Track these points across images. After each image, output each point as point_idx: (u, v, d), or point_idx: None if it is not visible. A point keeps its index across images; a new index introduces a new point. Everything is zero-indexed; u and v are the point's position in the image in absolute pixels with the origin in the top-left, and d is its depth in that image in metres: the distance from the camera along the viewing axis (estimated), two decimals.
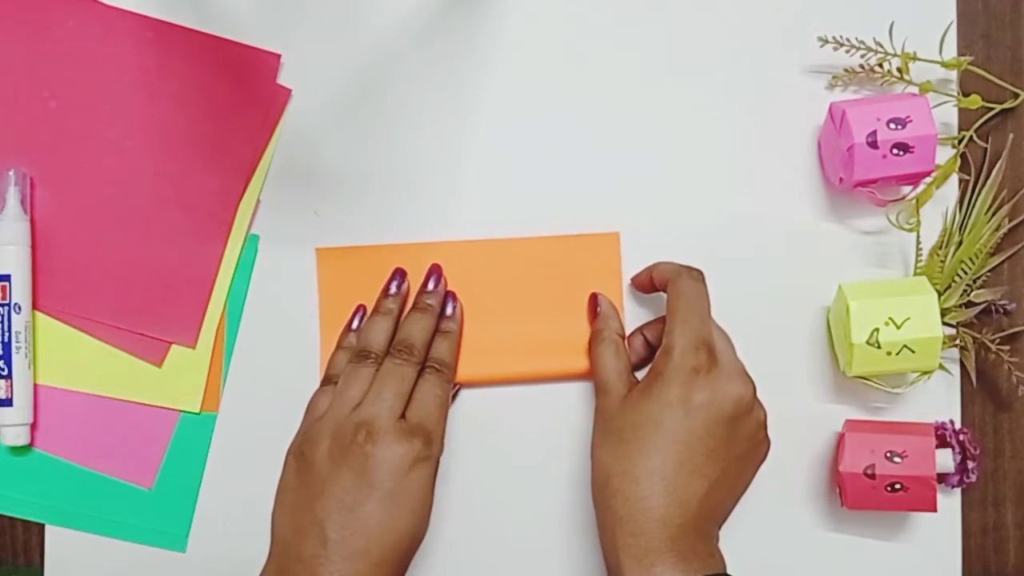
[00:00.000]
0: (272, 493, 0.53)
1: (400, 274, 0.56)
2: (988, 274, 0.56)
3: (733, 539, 0.50)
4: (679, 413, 0.48)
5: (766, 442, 0.51)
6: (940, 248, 0.56)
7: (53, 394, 0.56)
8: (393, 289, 0.56)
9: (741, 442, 0.49)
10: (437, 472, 0.51)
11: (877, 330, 0.52)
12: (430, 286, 0.56)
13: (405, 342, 0.53)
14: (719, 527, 0.50)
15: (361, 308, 0.56)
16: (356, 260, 0.56)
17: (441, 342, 0.55)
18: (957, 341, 0.56)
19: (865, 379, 0.55)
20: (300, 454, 0.51)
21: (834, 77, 0.56)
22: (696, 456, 0.48)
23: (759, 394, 0.51)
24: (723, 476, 0.49)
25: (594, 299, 0.56)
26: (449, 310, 0.56)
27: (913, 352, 0.52)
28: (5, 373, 0.55)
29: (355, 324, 0.56)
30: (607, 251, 0.56)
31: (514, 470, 0.57)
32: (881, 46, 0.55)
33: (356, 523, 0.48)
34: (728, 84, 0.57)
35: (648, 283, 0.55)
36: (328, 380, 0.54)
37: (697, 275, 0.53)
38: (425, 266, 0.56)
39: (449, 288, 0.56)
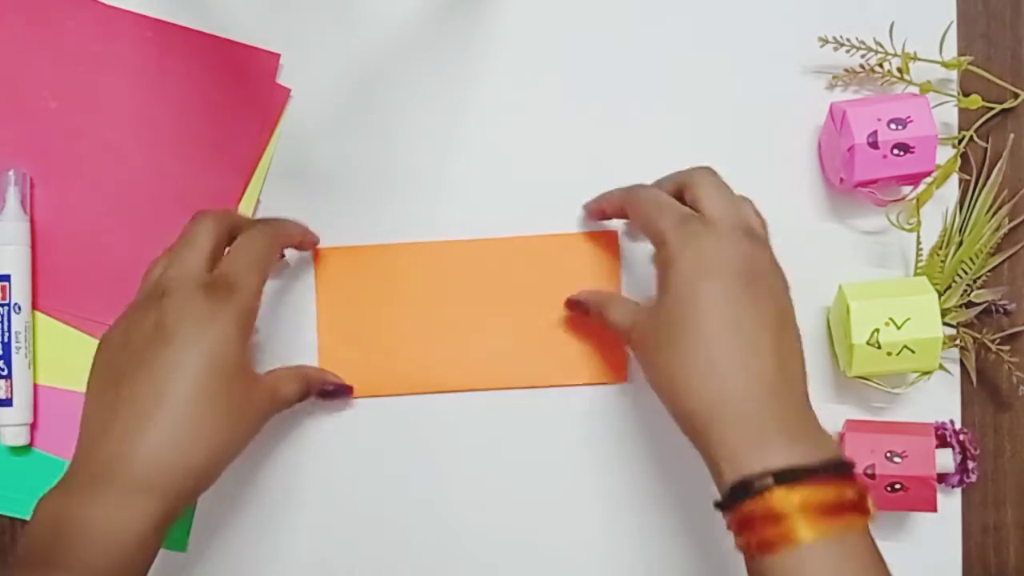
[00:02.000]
0: (272, 494, 0.54)
1: None
2: (988, 274, 0.56)
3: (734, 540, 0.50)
4: (706, 291, 0.44)
5: (784, 295, 0.47)
6: (940, 248, 0.56)
7: (53, 394, 0.56)
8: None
9: (769, 298, 0.45)
10: (252, 328, 0.48)
11: (877, 330, 0.52)
12: None
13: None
14: (808, 400, 0.45)
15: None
16: (354, 260, 0.56)
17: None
18: (957, 341, 0.56)
19: (865, 379, 0.55)
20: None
21: (834, 77, 0.56)
22: (744, 327, 0.44)
23: None
24: (777, 340, 0.44)
25: (571, 304, 0.55)
26: None
27: (913, 352, 0.52)
28: (5, 373, 0.55)
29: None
30: (606, 249, 0.56)
31: (512, 477, 0.56)
32: (881, 46, 0.55)
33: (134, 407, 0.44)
34: (728, 84, 0.57)
35: (601, 212, 0.55)
36: None
37: (644, 186, 0.51)
38: (423, 266, 0.56)
39: (446, 288, 0.56)
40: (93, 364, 0.47)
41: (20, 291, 0.55)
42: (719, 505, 0.44)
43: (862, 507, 0.42)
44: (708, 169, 0.50)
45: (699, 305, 0.44)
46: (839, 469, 0.42)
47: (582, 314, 0.54)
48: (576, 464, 0.56)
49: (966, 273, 0.55)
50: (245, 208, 0.56)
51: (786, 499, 0.41)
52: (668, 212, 0.47)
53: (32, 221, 0.56)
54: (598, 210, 0.55)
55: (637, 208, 0.50)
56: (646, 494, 0.56)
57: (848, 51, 0.55)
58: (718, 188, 0.48)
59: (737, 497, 0.42)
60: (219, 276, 0.47)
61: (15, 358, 0.55)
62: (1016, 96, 0.56)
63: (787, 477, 0.41)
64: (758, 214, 0.49)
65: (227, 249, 0.50)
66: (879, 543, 0.56)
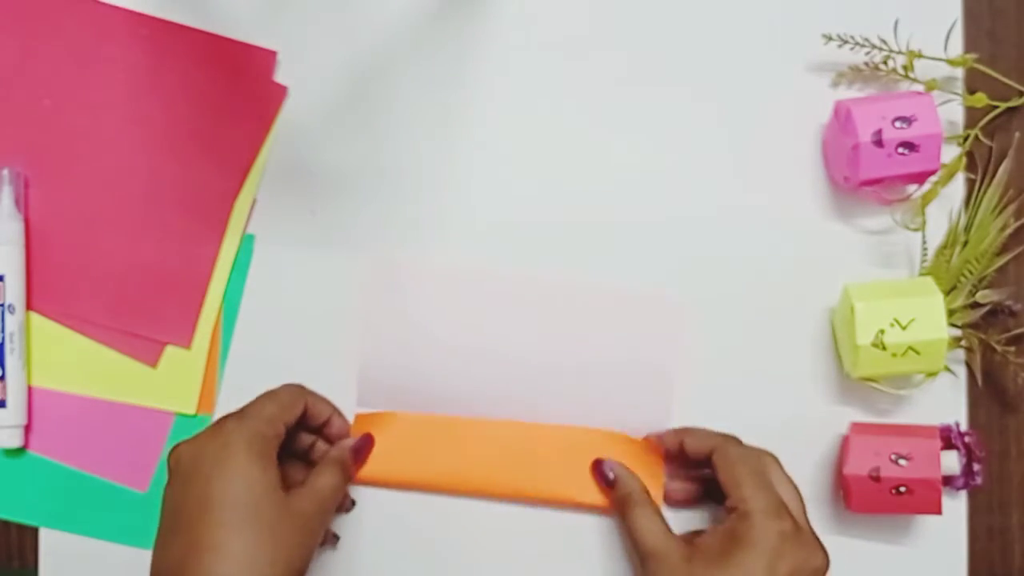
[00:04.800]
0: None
1: None
2: (994, 274, 0.56)
3: None
4: None
5: None
6: (946, 248, 0.55)
7: (47, 396, 0.56)
8: None
9: None
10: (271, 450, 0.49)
11: (882, 331, 0.51)
12: None
13: None
14: None
15: None
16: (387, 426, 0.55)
17: None
18: (963, 342, 0.55)
19: (870, 381, 0.54)
20: None
21: (839, 75, 0.56)
22: None
23: (762, 398, 0.50)
24: None
25: (598, 465, 0.54)
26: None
27: (918, 354, 0.51)
28: None
29: None
30: (648, 455, 0.55)
31: None
32: (886, 43, 0.55)
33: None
34: (732, 82, 0.56)
35: (677, 448, 0.53)
36: None
37: (739, 442, 0.52)
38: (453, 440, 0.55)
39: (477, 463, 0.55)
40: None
41: (14, 291, 0.54)
42: None
43: None
44: (737, 439, 0.52)
45: None
46: None
47: (604, 485, 0.54)
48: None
49: (971, 273, 0.55)
50: (241, 207, 0.56)
51: None
52: (764, 494, 0.48)
53: (27, 221, 0.56)
54: (675, 444, 0.53)
55: (733, 470, 0.50)
56: None
57: (852, 48, 0.55)
58: (758, 477, 0.50)
59: None
60: (231, 413, 0.50)
61: (9, 359, 0.54)
62: (1022, 94, 0.56)
63: None
64: (789, 478, 0.51)
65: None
66: (883, 547, 0.56)
